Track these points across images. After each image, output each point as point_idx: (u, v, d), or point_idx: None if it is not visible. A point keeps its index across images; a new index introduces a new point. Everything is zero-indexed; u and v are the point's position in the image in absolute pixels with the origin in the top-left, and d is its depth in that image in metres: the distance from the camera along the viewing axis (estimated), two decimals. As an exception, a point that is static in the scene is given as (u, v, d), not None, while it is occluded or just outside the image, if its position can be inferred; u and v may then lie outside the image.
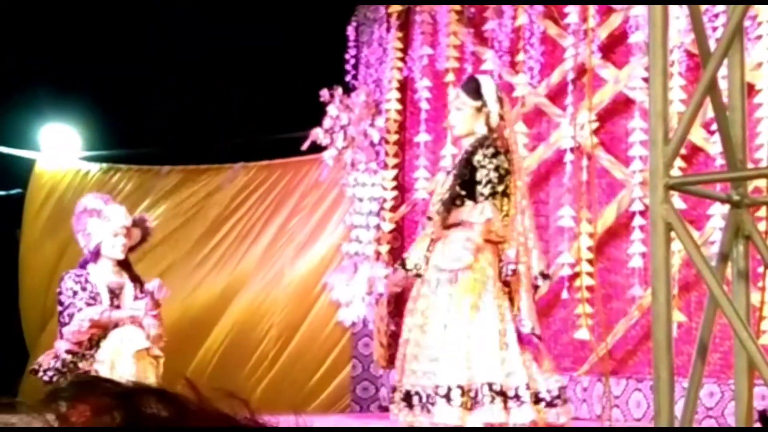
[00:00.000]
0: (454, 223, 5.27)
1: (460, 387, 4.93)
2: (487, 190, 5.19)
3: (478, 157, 5.23)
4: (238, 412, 0.76)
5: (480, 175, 5.21)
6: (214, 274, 8.73)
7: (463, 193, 5.24)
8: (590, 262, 6.94)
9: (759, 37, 6.45)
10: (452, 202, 5.24)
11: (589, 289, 6.98)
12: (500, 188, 5.26)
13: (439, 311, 5.10)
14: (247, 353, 8.50)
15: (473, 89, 5.47)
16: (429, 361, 5.03)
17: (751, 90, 5.98)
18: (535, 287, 5.46)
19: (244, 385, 7.91)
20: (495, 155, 5.24)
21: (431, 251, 5.28)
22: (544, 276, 5.47)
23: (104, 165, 9.14)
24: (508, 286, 5.35)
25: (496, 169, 5.23)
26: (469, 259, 5.10)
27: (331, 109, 8.09)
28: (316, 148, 8.16)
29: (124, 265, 6.07)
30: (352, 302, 7.99)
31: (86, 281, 5.89)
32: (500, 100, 5.44)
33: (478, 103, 5.36)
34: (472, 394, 4.94)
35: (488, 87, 5.46)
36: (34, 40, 8.34)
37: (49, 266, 8.42)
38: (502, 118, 5.43)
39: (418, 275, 5.26)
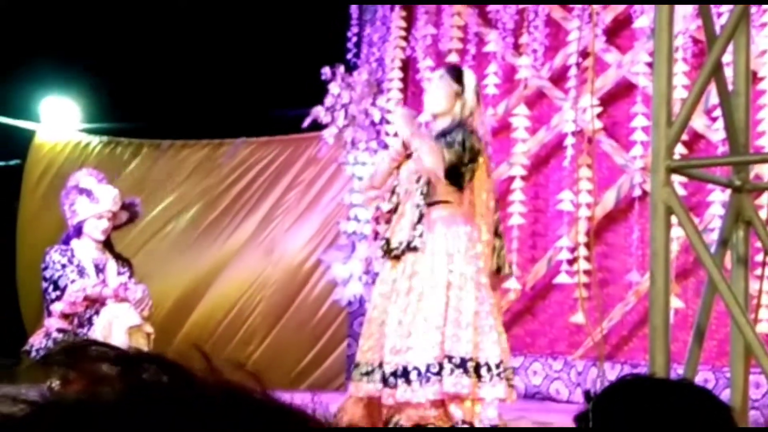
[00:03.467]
0: (436, 201, 5.23)
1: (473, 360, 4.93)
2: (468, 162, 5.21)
3: (459, 138, 5.19)
4: (248, 386, 0.71)
5: (464, 156, 5.19)
6: (211, 247, 8.72)
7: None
8: (588, 246, 6.93)
9: (764, 24, 6.43)
10: (428, 182, 5.21)
11: (586, 273, 6.97)
12: (466, 161, 5.23)
13: (439, 287, 5.07)
14: (236, 326, 8.50)
15: (455, 75, 5.46)
16: (429, 335, 5.00)
17: (754, 77, 5.96)
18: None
19: (235, 358, 7.90)
20: (472, 132, 5.24)
21: (425, 226, 5.19)
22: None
23: (104, 138, 9.12)
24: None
25: (462, 142, 5.21)
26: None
27: (333, 87, 8.06)
28: (317, 126, 8.13)
29: (105, 243, 6.05)
30: (349, 281, 7.99)
31: (72, 255, 5.86)
32: (477, 96, 5.43)
33: (458, 89, 5.35)
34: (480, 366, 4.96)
35: (469, 78, 5.44)
36: (37, 12, 8.30)
37: (47, 239, 8.37)
38: (471, 114, 5.41)
39: (411, 248, 5.17)
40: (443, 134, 5.21)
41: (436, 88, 5.48)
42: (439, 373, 4.91)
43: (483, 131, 5.46)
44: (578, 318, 6.96)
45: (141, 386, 0.67)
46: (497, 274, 5.29)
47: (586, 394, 1.67)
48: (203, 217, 8.81)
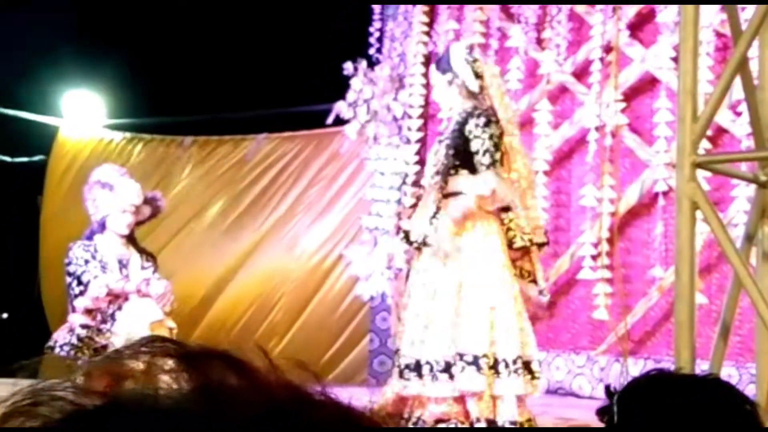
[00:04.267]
0: (452, 192, 5.17)
1: (484, 355, 4.90)
2: (486, 160, 5.03)
3: (469, 127, 5.07)
4: (308, 385, 0.69)
5: (476, 145, 5.05)
6: (234, 243, 8.74)
7: (458, 162, 5.09)
8: (611, 241, 6.91)
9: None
10: (447, 173, 5.11)
11: (609, 268, 6.95)
12: (497, 156, 5.11)
13: (446, 282, 5.04)
14: (257, 322, 8.52)
15: (444, 61, 5.29)
16: (442, 331, 4.99)
17: (779, 72, 5.92)
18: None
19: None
20: (487, 124, 5.06)
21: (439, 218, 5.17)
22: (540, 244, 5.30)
23: (127, 134, 9.15)
24: (522, 255, 5.29)
25: (491, 137, 5.05)
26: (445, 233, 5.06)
27: (355, 83, 8.06)
28: (340, 121, 8.14)
29: (129, 238, 6.07)
30: (371, 276, 7.99)
31: (95, 250, 5.88)
32: (474, 62, 5.20)
33: (449, 76, 5.19)
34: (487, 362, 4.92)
35: (456, 55, 5.23)
36: (60, 6, 8.32)
37: (71, 235, 8.40)
38: (483, 90, 5.19)
39: (426, 244, 5.15)
40: (458, 126, 5.12)
41: (434, 88, 5.38)
42: (447, 370, 4.90)
43: (504, 109, 5.24)
44: (601, 314, 6.94)
45: (210, 385, 0.67)
46: (511, 248, 5.19)
47: (607, 389, 1.67)
48: (226, 213, 8.83)
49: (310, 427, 0.67)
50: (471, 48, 5.58)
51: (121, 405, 0.66)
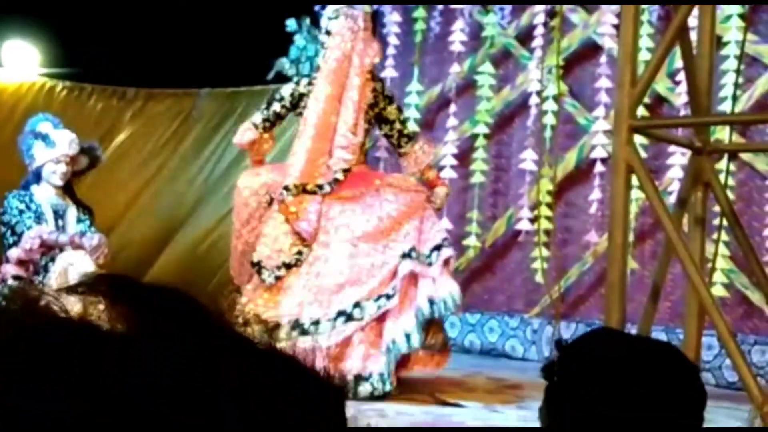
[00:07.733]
0: None
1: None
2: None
3: None
4: (257, 339, 0.69)
5: None
6: (179, 197, 8.67)
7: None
8: (549, 206, 6.99)
9: (730, -10, 6.46)
10: None
11: (546, 232, 7.02)
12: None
13: None
14: (206, 279, 8.47)
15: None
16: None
17: (718, 42, 5.99)
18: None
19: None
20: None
21: None
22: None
23: (68, 83, 9.01)
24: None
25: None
26: None
27: (298, 40, 8.02)
28: (282, 78, 8.09)
29: (66, 189, 6.01)
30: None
31: (30, 200, 5.83)
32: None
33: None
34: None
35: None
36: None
37: (11, 185, 8.30)
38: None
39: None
40: None
41: None
42: None
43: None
44: (538, 277, 7.02)
45: (154, 321, 0.67)
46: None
47: (558, 343, 1.61)
48: (170, 167, 8.74)
49: (269, 371, 0.67)
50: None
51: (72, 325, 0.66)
